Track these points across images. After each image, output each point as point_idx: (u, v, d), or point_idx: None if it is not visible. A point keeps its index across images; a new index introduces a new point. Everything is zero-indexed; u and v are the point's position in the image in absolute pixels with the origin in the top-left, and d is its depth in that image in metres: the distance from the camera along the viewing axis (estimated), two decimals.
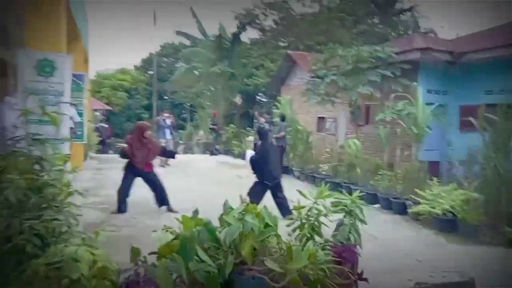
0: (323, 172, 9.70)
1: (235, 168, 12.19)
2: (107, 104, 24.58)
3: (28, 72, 5.79)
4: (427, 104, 8.14)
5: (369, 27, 22.16)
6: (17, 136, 2.30)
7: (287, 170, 11.39)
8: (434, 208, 6.17)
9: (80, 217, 5.38)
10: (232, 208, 2.09)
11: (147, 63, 29.23)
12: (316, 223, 2.86)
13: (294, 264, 1.86)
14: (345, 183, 8.64)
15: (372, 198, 7.78)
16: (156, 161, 8.05)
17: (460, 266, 4.56)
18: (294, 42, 21.20)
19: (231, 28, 20.18)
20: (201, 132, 19.18)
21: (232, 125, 16.93)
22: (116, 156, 14.76)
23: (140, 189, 6.51)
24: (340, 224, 3.17)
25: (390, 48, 9.62)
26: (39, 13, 5.56)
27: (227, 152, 15.76)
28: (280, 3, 20.98)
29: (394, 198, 7.20)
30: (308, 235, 2.78)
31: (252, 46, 21.17)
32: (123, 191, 6.23)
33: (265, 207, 2.09)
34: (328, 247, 2.32)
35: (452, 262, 4.76)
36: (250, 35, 22.81)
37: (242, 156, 14.76)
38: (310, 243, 2.21)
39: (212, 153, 15.84)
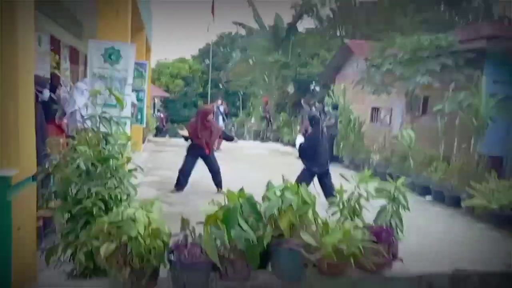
0: (374, 163, 9.50)
1: (284, 155, 12.32)
2: (165, 91, 25.74)
3: (96, 59, 6.29)
4: (493, 95, 7.66)
5: (433, 15, 20.94)
6: (87, 115, 2.61)
7: (337, 159, 11.30)
8: (490, 202, 5.87)
9: (138, 196, 5.86)
10: (274, 186, 2.23)
11: (204, 53, 30.03)
12: (356, 206, 2.92)
13: (328, 239, 1.97)
14: (396, 174, 8.43)
15: (424, 190, 7.55)
16: None
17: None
18: (351, 31, 20.65)
19: (288, 17, 20.12)
20: (253, 120, 19.48)
21: (283, 113, 17.00)
22: (172, 139, 15.49)
23: (195, 171, 6.86)
24: (382, 210, 3.20)
25: (453, 36, 9.12)
26: (109, 7, 6.01)
27: (278, 139, 15.91)
28: None
29: (448, 191, 6.93)
30: (348, 217, 2.86)
31: (308, 35, 20.92)
32: (186, 170, 6.60)
33: (304, 185, 2.21)
34: (365, 228, 2.39)
35: (503, 256, 4.56)
36: (306, 24, 22.55)
37: (291, 143, 14.84)
38: (347, 223, 2.30)
39: (262, 140, 16.10)
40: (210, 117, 6.76)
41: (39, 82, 4.19)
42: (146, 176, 7.99)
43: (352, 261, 2.05)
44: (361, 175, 3.00)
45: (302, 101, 10.27)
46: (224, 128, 13.75)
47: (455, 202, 6.77)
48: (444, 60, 8.81)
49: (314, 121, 6.10)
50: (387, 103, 13.31)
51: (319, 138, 6.13)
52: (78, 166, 2.21)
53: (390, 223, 3.07)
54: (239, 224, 2.00)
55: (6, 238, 1.81)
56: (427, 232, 5.46)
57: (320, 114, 10.61)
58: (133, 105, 9.02)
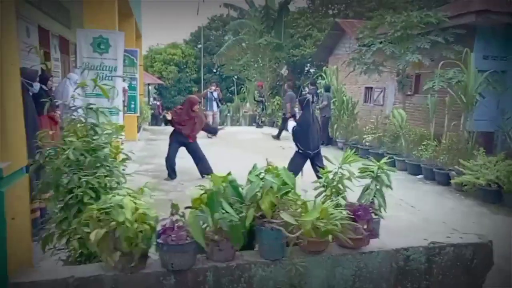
0: (367, 143, 9.63)
1: (279, 139, 12.41)
2: (158, 78, 25.61)
3: (85, 49, 6.31)
4: (483, 71, 7.72)
5: None
6: (75, 106, 2.68)
7: (331, 141, 11.43)
8: (478, 178, 6.03)
9: (133, 182, 5.97)
10: (256, 169, 2.33)
11: (196, 37, 29.73)
12: (340, 186, 3.03)
13: (306, 217, 2.08)
14: (388, 153, 8.57)
15: (415, 169, 7.71)
16: (203, 133, 8.47)
17: (499, 235, 4.56)
18: (344, 10, 20.50)
19: None
20: (248, 105, 19.48)
21: (278, 97, 17.01)
22: (168, 128, 15.53)
23: (189, 159, 6.94)
24: (365, 189, 3.31)
25: (442, 12, 9.12)
26: None
27: (272, 124, 15.95)
28: None
29: (438, 169, 7.08)
30: (332, 197, 2.98)
31: (300, 15, 20.72)
32: (170, 159, 6.69)
33: (284, 168, 2.31)
34: (343, 206, 2.51)
35: (490, 231, 4.74)
36: (298, 4, 22.29)
37: (286, 127, 14.92)
38: (328, 202, 2.41)
39: (258, 125, 16.10)
40: (197, 107, 6.71)
41: (28, 75, 4.22)
42: (141, 165, 8.11)
43: (330, 238, 2.16)
44: (344, 156, 3.10)
45: (285, 86, 10.27)
46: (218, 114, 13.82)
47: (445, 180, 6.93)
48: (433, 37, 8.84)
49: (303, 103, 6.14)
50: (380, 83, 13.38)
51: (310, 120, 6.19)
52: (67, 157, 2.30)
53: (373, 201, 3.19)
54: (222, 207, 2.11)
55: (1, 227, 1.91)
56: (415, 209, 5.64)
57: (313, 97, 10.67)
58: (124, 93, 9.06)
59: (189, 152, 6.82)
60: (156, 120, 19.98)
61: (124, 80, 9.32)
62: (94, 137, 2.43)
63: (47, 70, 7.45)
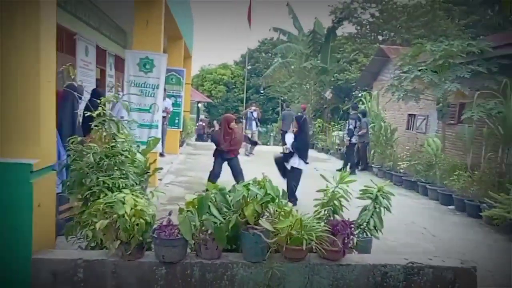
0: (401, 170, 9.49)
1: (315, 161, 12.51)
2: (208, 96, 26.78)
3: (132, 68, 7.00)
4: None
5: (482, 18, 20.13)
6: (120, 118, 3.16)
7: (367, 167, 11.36)
8: (509, 213, 5.80)
9: (166, 193, 6.43)
10: (246, 182, 2.62)
11: (245, 58, 30.82)
12: (336, 204, 3.22)
13: (279, 224, 2.32)
14: (421, 182, 8.42)
15: (447, 199, 7.51)
16: (242, 151, 8.90)
17: None
18: (392, 36, 20.39)
19: (327, 22, 20.27)
20: (291, 126, 19.73)
21: (319, 119, 17.15)
22: (211, 144, 16.17)
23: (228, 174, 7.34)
24: (363, 209, 3.46)
25: (485, 42, 8.93)
26: (141, 19, 6.70)
27: (312, 146, 16.07)
28: None
29: (469, 201, 6.86)
30: (327, 214, 3.18)
31: (347, 40, 20.90)
32: (214, 173, 7.06)
33: (269, 180, 2.57)
34: (323, 220, 2.70)
35: (507, 268, 4.58)
36: (346, 30, 22.51)
37: (325, 150, 14.98)
38: (306, 216, 2.62)
39: None
40: (233, 124, 7.16)
41: (76, 90, 4.84)
42: (177, 176, 8.65)
43: (304, 246, 2.37)
44: (340, 176, 3.29)
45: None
46: (256, 133, 14.24)
47: (475, 212, 6.70)
48: (475, 66, 8.66)
49: (301, 121, 6.47)
50: (423, 110, 13.11)
51: (308, 138, 6.59)
52: (89, 159, 2.74)
53: (368, 222, 3.34)
54: (209, 210, 2.41)
55: (28, 211, 2.36)
56: (436, 239, 5.55)
57: (355, 122, 10.74)
58: (165, 110, 9.75)
59: (229, 166, 7.19)
60: (201, 138, 20.97)
61: (164, 99, 10.06)
62: (113, 144, 2.85)
63: (101, 87, 8.30)
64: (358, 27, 21.70)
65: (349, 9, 20.60)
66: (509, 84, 7.46)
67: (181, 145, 12.95)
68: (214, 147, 7.30)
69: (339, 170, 9.93)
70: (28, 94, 2.43)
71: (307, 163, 6.35)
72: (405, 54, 10.62)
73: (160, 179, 7.84)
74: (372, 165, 11.01)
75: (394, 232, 5.36)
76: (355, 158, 11.11)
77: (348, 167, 10.38)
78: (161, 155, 9.69)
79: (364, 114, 11.37)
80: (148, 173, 4.03)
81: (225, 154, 7.10)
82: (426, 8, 18.77)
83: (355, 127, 10.77)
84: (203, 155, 12.38)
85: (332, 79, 18.90)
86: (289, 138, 6.45)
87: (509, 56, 8.70)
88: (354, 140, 10.68)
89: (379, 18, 20.58)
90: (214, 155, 7.32)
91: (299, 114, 17.68)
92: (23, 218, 2.37)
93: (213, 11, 73.15)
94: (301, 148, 6.33)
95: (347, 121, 10.65)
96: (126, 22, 10.29)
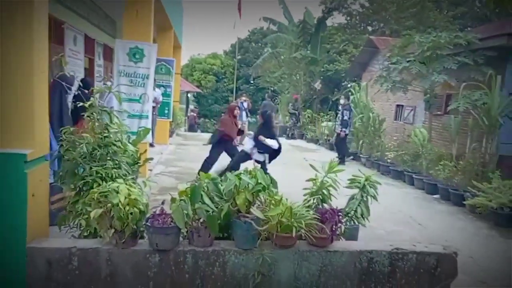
0: (388, 160, 9.67)
1: (305, 151, 12.66)
2: (197, 86, 26.65)
3: (122, 58, 6.95)
4: None
5: (470, 10, 20.31)
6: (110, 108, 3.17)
7: (355, 157, 11.53)
8: (490, 201, 5.99)
9: (157, 183, 6.45)
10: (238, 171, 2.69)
11: (235, 48, 30.67)
12: (325, 193, 3.31)
13: (270, 212, 2.40)
14: (407, 171, 8.60)
15: (432, 188, 7.70)
16: None
17: (503, 258, 4.59)
18: (381, 27, 20.49)
19: (317, 13, 20.30)
20: (280, 117, 19.83)
21: (309, 110, 17.25)
22: (201, 134, 16.11)
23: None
24: (351, 198, 3.57)
25: (472, 34, 9.08)
26: (131, 8, 6.64)
27: (302, 136, 16.20)
28: None
29: (453, 190, 7.06)
30: (316, 202, 3.27)
31: (336, 31, 20.94)
32: (211, 161, 7.09)
33: (260, 170, 2.64)
34: (312, 208, 2.79)
35: (492, 254, 4.76)
36: (336, 20, 22.52)
37: (314, 140, 15.12)
38: (296, 205, 2.71)
39: (288, 137, 16.39)
40: (236, 111, 7.36)
41: (67, 80, 4.82)
42: (167, 167, 8.68)
43: (294, 233, 2.46)
44: (329, 166, 3.37)
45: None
46: (247, 123, 14.29)
47: (459, 201, 6.90)
48: (462, 58, 8.80)
49: (266, 116, 6.66)
50: (411, 101, 13.29)
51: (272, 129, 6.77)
52: (82, 150, 2.77)
53: (356, 211, 3.44)
54: (202, 199, 2.47)
55: (23, 201, 2.39)
56: (421, 227, 5.72)
57: (350, 113, 10.82)
58: (155, 100, 9.72)
59: (229, 154, 7.22)
60: (192, 128, 20.97)
61: (154, 89, 10.02)
62: (105, 135, 2.88)
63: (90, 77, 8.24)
64: (348, 18, 21.73)
65: (339, 0, 20.59)
66: (494, 76, 7.62)
67: (170, 136, 12.93)
68: (206, 137, 7.35)
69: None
70: (22, 85, 2.45)
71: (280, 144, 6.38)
72: (394, 45, 10.73)
73: (151, 170, 7.86)
74: (360, 155, 11.17)
75: (381, 220, 5.51)
76: (348, 149, 11.28)
77: (340, 156, 10.56)
78: (151, 145, 9.68)
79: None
80: (139, 164, 4.07)
81: (228, 142, 7.15)
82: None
83: (349, 118, 10.87)
84: (193, 145, 12.41)
85: (322, 69, 18.97)
86: (250, 143, 6.51)
87: (494, 48, 8.87)
88: (347, 130, 10.79)
89: (368, 9, 20.64)
90: (213, 142, 7.32)
91: (290, 103, 17.80)
92: (18, 208, 2.41)
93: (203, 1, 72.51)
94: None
95: (338, 111, 10.70)
96: (115, 11, 10.16)
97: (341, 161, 10.33)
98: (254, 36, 31.30)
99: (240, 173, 2.61)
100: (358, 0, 21.20)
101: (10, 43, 2.43)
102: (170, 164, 9.05)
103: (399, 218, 6.08)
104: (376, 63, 16.19)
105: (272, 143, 6.26)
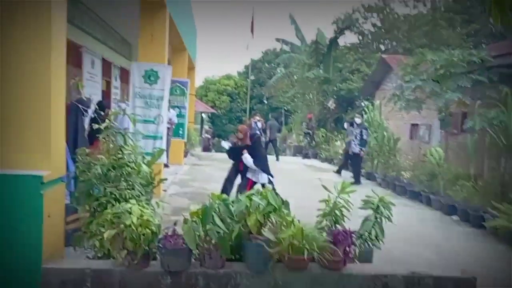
0: (404, 180, 9.51)
1: (318, 171, 12.57)
2: (211, 107, 27.00)
3: (138, 80, 7.12)
4: None
5: (483, 27, 20.24)
6: (125, 129, 3.25)
7: (370, 176, 11.39)
8: None
9: (171, 204, 6.49)
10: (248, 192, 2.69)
11: (249, 69, 31.11)
12: (338, 214, 3.27)
13: (282, 234, 2.38)
14: (424, 192, 8.42)
15: (451, 209, 7.50)
16: None
17: None
18: (394, 46, 20.54)
19: (330, 32, 20.52)
20: (294, 136, 19.84)
21: (322, 129, 17.22)
22: (215, 154, 16.17)
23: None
24: (365, 219, 3.52)
25: (486, 51, 9.02)
26: (146, 32, 6.85)
27: (315, 155, 16.13)
28: (381, 6, 20.52)
29: (472, 211, 6.87)
30: (329, 224, 3.24)
31: (349, 50, 21.07)
32: (229, 182, 6.86)
33: (271, 191, 2.64)
34: (325, 230, 2.75)
35: (509, 279, 4.58)
36: (348, 40, 22.67)
37: (329, 160, 15.03)
38: (307, 226, 2.68)
39: (305, 156, 16.32)
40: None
41: (83, 103, 4.96)
42: (182, 187, 8.72)
43: (305, 255, 2.43)
44: (341, 186, 3.34)
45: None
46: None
47: (479, 222, 6.69)
48: (476, 76, 8.73)
49: (255, 138, 6.51)
50: (426, 119, 13.16)
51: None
52: (97, 171, 2.83)
53: (370, 232, 3.38)
54: (213, 220, 2.48)
55: (39, 221, 2.44)
56: (439, 249, 5.56)
57: (367, 132, 10.56)
58: (170, 121, 9.86)
59: (243, 173, 7.11)
60: (207, 149, 21.21)
61: (168, 110, 10.20)
62: (119, 156, 2.94)
63: (106, 99, 8.43)
64: (360, 37, 21.88)
65: (351, 19, 20.81)
66: (509, 94, 7.51)
67: (185, 156, 13.03)
68: (219, 157, 7.31)
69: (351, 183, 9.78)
70: (39, 108, 2.54)
71: (272, 176, 6.28)
72: (406, 64, 10.72)
73: (165, 190, 7.91)
74: (376, 175, 11.03)
75: (397, 242, 5.38)
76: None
77: (355, 176, 10.39)
78: (166, 166, 9.77)
79: (351, 124, 11.55)
80: (153, 184, 4.11)
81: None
82: (427, 18, 18.93)
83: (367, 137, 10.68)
84: (207, 165, 12.46)
85: (335, 88, 19.03)
86: (249, 158, 6.41)
87: (509, 65, 8.77)
88: (365, 150, 10.65)
89: (380, 28, 20.76)
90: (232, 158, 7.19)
91: (304, 122, 17.77)
92: (33, 228, 2.45)
93: (216, 22, 74.24)
94: (260, 164, 6.29)
95: (356, 130, 10.52)
96: (131, 35, 10.48)
97: (356, 181, 10.21)
98: (267, 56, 31.75)
99: (251, 194, 2.61)
100: (370, 20, 21.37)
101: (29, 67, 2.53)
102: (184, 184, 9.09)
103: (416, 240, 5.93)
104: (389, 81, 16.17)
105: (249, 161, 6.21)
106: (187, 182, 9.36)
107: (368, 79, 16.74)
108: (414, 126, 14.49)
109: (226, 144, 6.68)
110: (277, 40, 22.70)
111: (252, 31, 17.23)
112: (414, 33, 19.03)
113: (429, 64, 9.71)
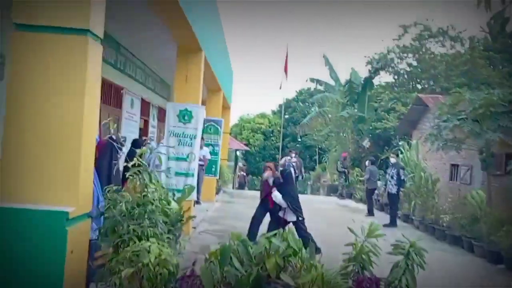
0: (444, 224, 8.98)
1: (352, 212, 12.17)
2: (246, 145, 27.34)
3: (172, 119, 7.37)
4: None
5: None
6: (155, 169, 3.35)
7: (407, 219, 10.88)
8: None
9: (199, 242, 6.48)
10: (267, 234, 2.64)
11: (283, 108, 31.51)
12: (365, 259, 3.12)
13: (301, 279, 2.28)
14: (466, 237, 7.89)
15: (495, 257, 6.95)
16: None
17: None
18: (431, 85, 20.18)
19: (364, 73, 20.57)
20: (328, 175, 19.52)
21: (357, 168, 16.86)
22: (248, 192, 16.17)
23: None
24: (395, 266, 3.32)
25: None
26: (181, 74, 7.17)
27: (350, 195, 15.71)
28: (416, 46, 20.45)
29: None
30: (355, 269, 3.08)
31: (384, 89, 20.92)
32: (256, 221, 6.88)
33: (293, 233, 2.57)
34: (349, 276, 2.61)
35: None
36: (383, 79, 22.59)
37: (364, 200, 14.55)
38: (330, 271, 2.57)
39: (340, 196, 15.96)
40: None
41: (118, 141, 5.16)
42: (211, 225, 8.71)
43: None
44: (369, 229, 3.21)
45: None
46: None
47: None
48: None
49: (285, 174, 6.56)
50: (467, 160, 12.56)
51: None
52: (121, 208, 2.89)
53: (400, 280, 3.18)
54: (231, 262, 2.43)
55: (61, 257, 2.50)
56: None
57: (398, 172, 10.19)
58: (203, 158, 10.03)
59: (273, 212, 6.88)
60: (242, 186, 21.38)
61: (202, 148, 10.43)
62: (144, 194, 3.00)
63: (141, 139, 8.78)
64: (395, 77, 21.72)
65: (386, 60, 20.81)
66: None
67: (217, 193, 13.10)
68: (252, 195, 7.21)
69: (386, 225, 9.38)
70: (70, 144, 2.67)
71: (301, 217, 6.15)
72: (443, 103, 10.44)
73: (194, 227, 7.92)
74: (413, 218, 10.52)
75: None
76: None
77: (392, 218, 10.00)
78: (197, 202, 9.84)
79: (373, 162, 11.31)
80: (182, 221, 4.13)
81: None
82: (465, 57, 18.57)
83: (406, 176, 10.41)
84: (239, 203, 12.42)
85: (370, 127, 18.77)
86: (278, 194, 6.28)
87: None
88: (400, 190, 10.36)
89: (416, 68, 20.56)
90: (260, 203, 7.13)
91: (339, 161, 17.53)
92: (56, 264, 2.51)
93: (252, 62, 76.91)
94: (290, 200, 6.17)
95: (393, 170, 10.29)
96: (170, 77, 11.04)
97: (392, 223, 9.78)
98: (301, 96, 32.14)
99: (271, 236, 2.56)
100: (405, 60, 21.25)
101: (62, 104, 2.70)
102: (214, 222, 9.08)
103: None
104: (426, 121, 15.74)
105: (278, 197, 6.11)
106: (218, 220, 9.34)
107: (404, 118, 16.40)
108: (454, 166, 13.84)
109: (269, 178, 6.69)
110: (311, 80, 22.97)
111: (285, 70, 17.56)
112: (452, 72, 18.67)
113: (468, 104, 9.40)
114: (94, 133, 2.90)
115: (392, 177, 10.01)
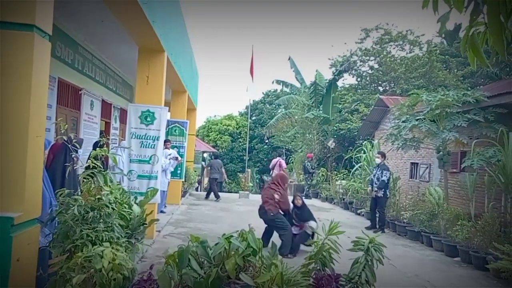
0: (405, 220, 9.28)
1: (318, 210, 12.33)
2: (213, 146, 27.13)
3: (134, 120, 7.18)
4: None
5: (479, 68, 20.66)
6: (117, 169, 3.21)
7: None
8: None
9: (164, 245, 6.33)
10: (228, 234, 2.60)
11: (251, 110, 31.53)
12: (325, 256, 3.15)
13: (259, 279, 2.26)
14: (425, 232, 8.19)
15: (452, 250, 7.26)
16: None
17: None
18: (392, 87, 20.90)
19: (328, 75, 20.99)
20: (294, 175, 19.73)
21: (323, 168, 17.13)
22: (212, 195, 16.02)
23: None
24: (355, 262, 3.37)
25: (480, 92, 9.12)
26: (142, 75, 6.98)
27: (316, 195, 15.94)
28: (378, 49, 21.10)
29: (474, 252, 6.62)
30: (316, 267, 3.10)
31: (347, 91, 21.46)
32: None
33: (252, 232, 2.54)
34: (308, 273, 2.62)
35: None
36: (347, 81, 23.15)
37: (329, 199, 14.81)
38: (290, 270, 2.56)
39: (306, 196, 16.10)
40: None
41: (78, 142, 4.95)
42: (177, 228, 8.53)
43: None
44: (329, 227, 3.24)
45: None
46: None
47: (482, 264, 6.44)
48: (472, 115, 8.77)
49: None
50: (426, 158, 13.09)
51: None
52: (74, 212, 2.76)
53: (360, 275, 3.23)
54: (190, 264, 2.37)
55: (5, 266, 2.34)
56: None
57: (389, 174, 9.75)
58: (172, 162, 9.83)
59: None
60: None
61: (173, 147, 10.23)
62: (98, 197, 2.88)
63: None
64: (359, 79, 22.32)
65: (349, 62, 21.32)
66: (505, 133, 7.50)
67: (183, 196, 12.89)
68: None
69: (369, 228, 9.14)
70: (16, 147, 2.51)
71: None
72: (402, 104, 10.82)
73: (159, 231, 7.74)
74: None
75: (396, 285, 5.15)
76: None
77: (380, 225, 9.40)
78: (162, 212, 9.66)
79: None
80: (145, 225, 4.00)
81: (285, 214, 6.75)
82: (423, 60, 19.38)
83: (388, 179, 9.50)
84: (205, 205, 12.27)
85: (335, 128, 19.15)
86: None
87: (504, 105, 8.83)
88: (388, 193, 9.59)
89: (378, 70, 21.22)
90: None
91: (306, 162, 17.72)
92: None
93: (217, 65, 76.71)
94: None
95: (378, 172, 9.53)
96: (132, 77, 10.74)
97: (381, 229, 9.24)
98: (267, 97, 32.32)
99: (230, 236, 2.52)
100: (367, 63, 21.88)
101: (7, 104, 2.54)
102: (180, 225, 8.91)
103: (416, 283, 5.67)
104: (387, 121, 16.27)
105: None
106: (183, 223, 9.17)
107: (367, 119, 16.87)
108: (414, 165, 14.38)
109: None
110: (278, 82, 23.19)
111: (251, 72, 17.61)
112: (411, 75, 19.43)
113: (425, 104, 9.79)
114: (42, 134, 2.74)
115: (378, 179, 9.55)
